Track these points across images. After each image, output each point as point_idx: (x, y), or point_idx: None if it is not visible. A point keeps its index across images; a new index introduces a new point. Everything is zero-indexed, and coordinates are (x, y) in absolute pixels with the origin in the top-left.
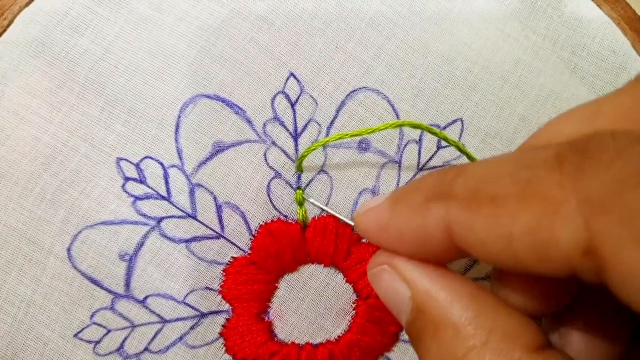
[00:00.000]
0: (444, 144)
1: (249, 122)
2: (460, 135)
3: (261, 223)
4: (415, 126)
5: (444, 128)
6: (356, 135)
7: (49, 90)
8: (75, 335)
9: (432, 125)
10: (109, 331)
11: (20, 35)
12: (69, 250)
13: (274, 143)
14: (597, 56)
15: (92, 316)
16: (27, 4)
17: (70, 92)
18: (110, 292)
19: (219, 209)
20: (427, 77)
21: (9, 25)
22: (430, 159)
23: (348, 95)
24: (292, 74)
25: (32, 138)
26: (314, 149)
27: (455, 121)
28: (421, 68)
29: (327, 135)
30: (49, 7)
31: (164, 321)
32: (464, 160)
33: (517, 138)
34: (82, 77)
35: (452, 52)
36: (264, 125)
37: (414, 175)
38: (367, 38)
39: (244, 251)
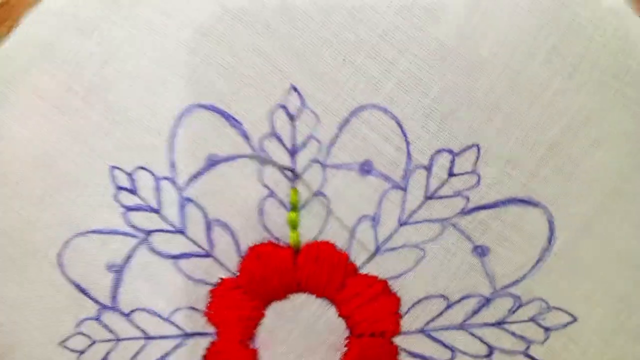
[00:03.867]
0: (456, 170)
1: (245, 135)
2: (476, 163)
3: (251, 244)
4: None
5: (458, 154)
6: None
7: (55, 92)
8: (60, 343)
9: (443, 151)
10: (94, 342)
11: (28, 36)
12: (59, 256)
13: (269, 160)
14: (631, 73)
15: (78, 325)
16: (35, 3)
17: (75, 96)
18: (96, 302)
19: (208, 225)
20: (442, 95)
21: (16, 26)
22: (440, 187)
23: (352, 112)
24: (293, 87)
25: (30, 139)
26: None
27: (470, 147)
28: (436, 85)
29: (327, 153)
30: (57, 9)
31: (148, 337)
32: (478, 189)
33: (541, 169)
34: (87, 81)
35: (472, 68)
36: (260, 140)
37: (420, 205)
38: (377, 51)
39: (232, 272)
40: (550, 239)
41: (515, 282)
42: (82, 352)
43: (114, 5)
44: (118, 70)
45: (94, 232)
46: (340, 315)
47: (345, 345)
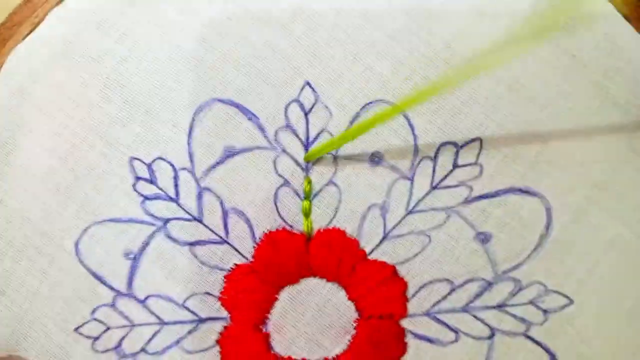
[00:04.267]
0: (460, 162)
1: (261, 128)
2: (478, 155)
3: (265, 231)
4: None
5: (462, 147)
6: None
7: (73, 87)
8: (76, 330)
9: (448, 143)
10: (108, 328)
11: (49, 32)
12: (76, 244)
13: (284, 150)
14: (632, 81)
15: (93, 312)
16: (58, 2)
17: (93, 90)
18: (112, 289)
19: (224, 213)
20: (447, 93)
21: (39, 22)
22: (445, 177)
23: (363, 107)
24: (308, 83)
25: (53, 133)
26: (327, 150)
27: (473, 140)
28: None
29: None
30: (78, 5)
31: (162, 323)
32: (481, 180)
33: (538, 161)
34: (105, 76)
35: (474, 70)
36: (276, 132)
37: (426, 194)
38: (387, 50)
39: (246, 258)
40: (548, 226)
41: (515, 267)
42: (96, 339)
43: (132, 3)
44: (136, 66)
45: (111, 220)
46: (349, 299)
47: (355, 328)
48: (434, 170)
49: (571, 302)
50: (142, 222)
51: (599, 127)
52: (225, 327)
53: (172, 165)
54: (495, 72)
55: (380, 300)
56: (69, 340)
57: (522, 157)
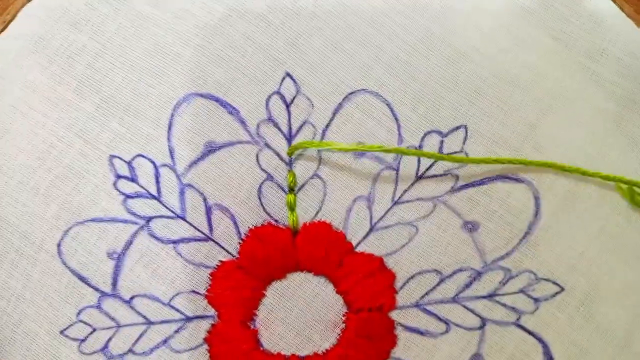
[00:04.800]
0: (445, 150)
1: (242, 122)
2: (464, 142)
3: (250, 227)
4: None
5: (447, 134)
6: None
7: (48, 85)
8: (62, 332)
9: (433, 132)
10: (94, 329)
11: (21, 30)
12: (59, 245)
13: (266, 144)
14: (617, 62)
15: (79, 313)
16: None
17: (68, 88)
18: (97, 290)
19: (208, 210)
20: (430, 80)
21: (11, 20)
22: (430, 166)
23: (345, 98)
24: (288, 74)
25: (29, 132)
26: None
27: (458, 127)
28: (424, 70)
29: (322, 137)
30: (49, 2)
31: (149, 322)
32: (467, 169)
33: (524, 147)
34: (79, 74)
35: (457, 54)
36: (257, 125)
37: (412, 184)
38: (366, 37)
39: (232, 255)
40: (536, 213)
41: (504, 256)
42: (83, 340)
43: None
44: (111, 62)
45: (93, 220)
46: (338, 292)
47: (344, 321)
48: (419, 160)
49: (562, 289)
50: (124, 221)
51: (585, 109)
52: (213, 325)
53: (152, 162)
54: (476, 56)
55: (368, 293)
56: (54, 343)
57: (509, 143)
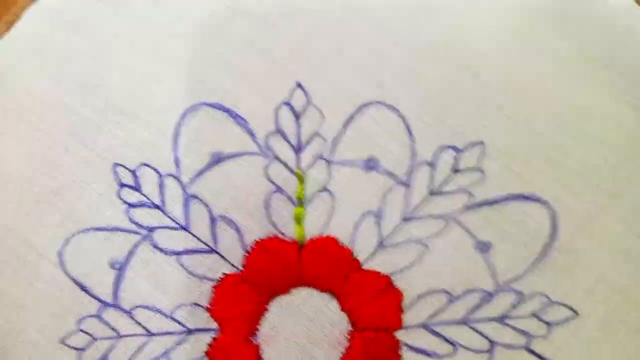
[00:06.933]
0: (461, 166)
1: (251, 133)
2: (480, 160)
3: (256, 239)
4: None
5: (462, 150)
6: None
7: (46, 88)
8: (62, 341)
9: (448, 147)
10: (95, 339)
11: (22, 32)
12: (61, 254)
13: (275, 157)
14: (636, 71)
15: (79, 323)
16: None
17: (66, 91)
18: (98, 299)
19: (212, 222)
20: (435, 87)
21: (14, 21)
22: (444, 183)
23: (357, 109)
24: (299, 84)
25: (30, 139)
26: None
27: (475, 143)
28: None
29: (332, 149)
30: (50, 2)
31: (150, 334)
32: (481, 186)
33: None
34: (78, 76)
35: (467, 63)
36: (266, 137)
37: (424, 200)
38: (373, 43)
39: (236, 268)
40: (552, 234)
41: (517, 278)
42: (83, 350)
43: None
44: (108, 65)
45: (96, 229)
46: (343, 310)
47: (348, 340)
48: (432, 176)
49: (576, 314)
50: (127, 230)
51: (608, 125)
52: (214, 339)
53: (157, 171)
54: (486, 63)
55: (375, 312)
56: (55, 352)
57: (527, 161)
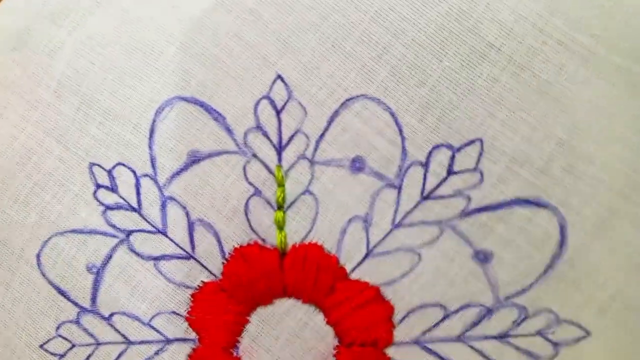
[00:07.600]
0: (456, 168)
1: (228, 130)
2: (478, 160)
3: (235, 245)
4: None
5: (458, 149)
6: None
7: (27, 86)
8: (41, 346)
9: (442, 146)
10: (74, 345)
11: (2, 24)
12: (38, 256)
13: (254, 155)
14: None
15: (58, 328)
16: None
17: (47, 89)
18: (76, 304)
19: (190, 226)
20: (441, 85)
21: None
22: (438, 185)
23: (342, 104)
24: (280, 76)
25: (8, 136)
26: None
27: (472, 142)
28: (434, 74)
29: (316, 148)
30: None
31: (129, 342)
32: (480, 189)
33: (551, 167)
34: (59, 73)
35: (473, 54)
36: (245, 134)
37: (416, 205)
38: (369, 35)
39: (215, 275)
40: (561, 244)
41: (520, 292)
42: (62, 356)
43: None
44: (90, 60)
45: (73, 231)
46: (328, 323)
47: (334, 355)
48: (425, 178)
49: (587, 333)
50: (104, 233)
51: (626, 124)
52: (193, 349)
53: (133, 171)
54: (497, 58)
55: (362, 325)
56: (34, 357)
57: (532, 162)
